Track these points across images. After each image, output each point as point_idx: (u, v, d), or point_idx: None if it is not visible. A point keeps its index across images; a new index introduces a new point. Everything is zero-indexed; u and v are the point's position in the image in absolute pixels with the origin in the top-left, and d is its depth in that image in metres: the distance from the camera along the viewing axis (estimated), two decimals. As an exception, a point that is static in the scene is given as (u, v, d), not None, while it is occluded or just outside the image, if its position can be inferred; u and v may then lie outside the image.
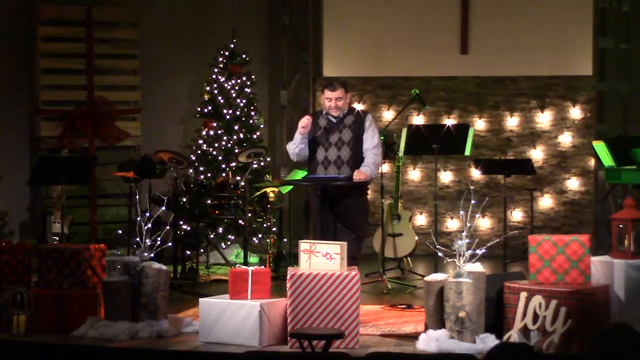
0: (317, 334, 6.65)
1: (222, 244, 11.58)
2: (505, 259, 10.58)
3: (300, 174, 9.92)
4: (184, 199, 10.50)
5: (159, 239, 7.63)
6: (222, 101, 11.96)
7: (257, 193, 10.74)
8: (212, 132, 11.86)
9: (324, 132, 8.23)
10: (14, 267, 8.03)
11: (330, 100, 8.19)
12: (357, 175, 8.02)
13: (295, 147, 8.24)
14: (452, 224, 12.40)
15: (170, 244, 8.41)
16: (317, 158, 8.23)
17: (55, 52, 12.32)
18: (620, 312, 6.86)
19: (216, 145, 11.81)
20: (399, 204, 10.65)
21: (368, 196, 8.43)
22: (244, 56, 12.10)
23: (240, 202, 10.37)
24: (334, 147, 8.19)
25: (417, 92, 10.00)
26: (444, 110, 12.54)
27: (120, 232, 9.81)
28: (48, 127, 12.17)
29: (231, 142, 11.80)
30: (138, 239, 7.69)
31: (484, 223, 12.29)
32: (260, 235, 11.50)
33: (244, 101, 11.99)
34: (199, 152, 11.85)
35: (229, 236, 11.62)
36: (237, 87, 11.99)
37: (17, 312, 7.52)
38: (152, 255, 7.64)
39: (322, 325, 7.04)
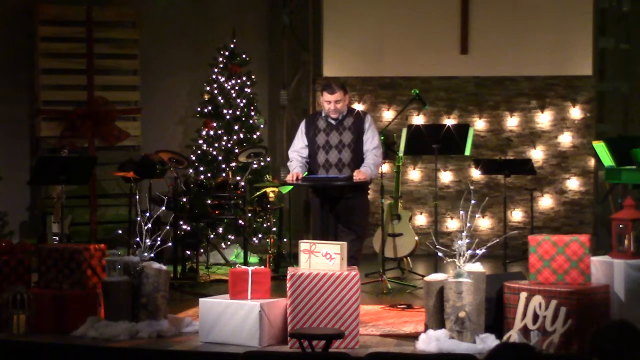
0: (317, 334, 6.64)
1: (222, 244, 11.58)
2: (505, 259, 10.58)
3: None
4: (184, 199, 10.49)
5: (159, 239, 7.62)
6: (222, 101, 11.96)
7: (257, 193, 10.73)
8: (212, 132, 11.86)
9: (324, 134, 8.22)
10: (14, 267, 8.03)
11: (330, 103, 8.16)
12: (357, 176, 8.01)
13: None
14: (452, 224, 12.40)
15: (170, 244, 8.40)
16: (318, 161, 8.22)
17: (55, 52, 12.30)
18: (620, 312, 6.85)
19: (216, 145, 11.81)
20: (399, 204, 10.64)
21: (369, 196, 8.43)
22: (244, 56, 12.10)
23: (240, 202, 10.36)
24: (334, 149, 8.18)
25: (417, 92, 9.99)
26: (444, 110, 12.53)
27: (120, 232, 9.80)
28: (48, 127, 12.16)
29: (231, 142, 11.80)
30: (138, 239, 7.69)
31: (484, 223, 12.29)
32: (260, 235, 11.50)
33: (244, 101, 11.99)
34: (199, 152, 11.85)
35: (229, 236, 11.62)
36: (237, 87, 11.98)
37: (17, 312, 7.52)
38: (152, 255, 7.63)
39: (322, 325, 7.04)
